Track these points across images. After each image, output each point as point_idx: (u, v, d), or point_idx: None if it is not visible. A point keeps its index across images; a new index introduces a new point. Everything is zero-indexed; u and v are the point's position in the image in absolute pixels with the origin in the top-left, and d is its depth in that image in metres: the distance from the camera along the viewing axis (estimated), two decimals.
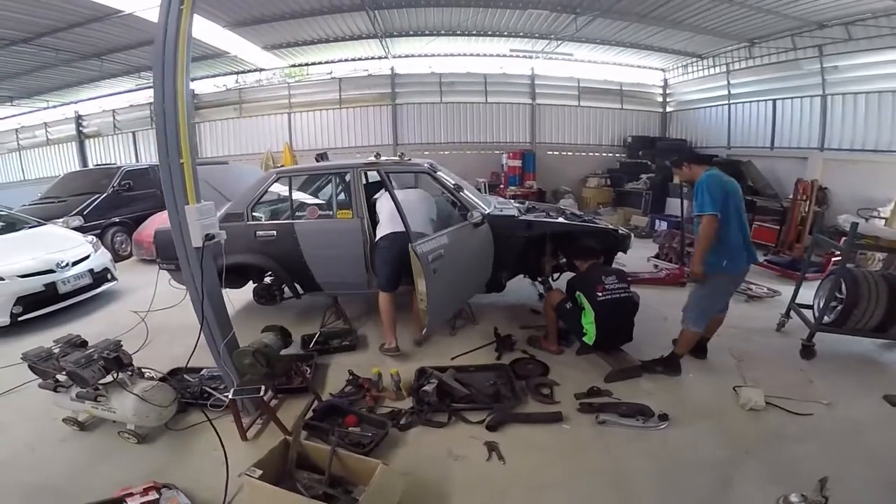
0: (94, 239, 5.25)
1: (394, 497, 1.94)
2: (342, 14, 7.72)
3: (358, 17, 7.85)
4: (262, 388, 2.45)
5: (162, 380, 2.72)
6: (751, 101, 8.82)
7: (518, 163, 10.42)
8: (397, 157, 3.95)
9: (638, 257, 5.81)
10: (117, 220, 6.95)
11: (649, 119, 11.44)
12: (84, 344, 2.70)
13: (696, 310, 3.02)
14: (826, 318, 3.38)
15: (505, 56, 10.21)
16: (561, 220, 3.91)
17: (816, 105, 7.46)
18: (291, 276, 3.83)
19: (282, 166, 5.19)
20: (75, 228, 5.90)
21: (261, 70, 10.85)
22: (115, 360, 2.47)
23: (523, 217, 3.85)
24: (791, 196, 6.59)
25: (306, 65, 10.71)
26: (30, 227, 5.21)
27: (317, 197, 4.51)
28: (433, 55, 10.40)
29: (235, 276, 3.89)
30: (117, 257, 6.32)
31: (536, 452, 2.38)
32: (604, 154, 11.30)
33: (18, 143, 12.85)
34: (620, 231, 3.93)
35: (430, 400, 2.74)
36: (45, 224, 5.44)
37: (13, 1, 5.89)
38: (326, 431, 2.44)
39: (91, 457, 2.44)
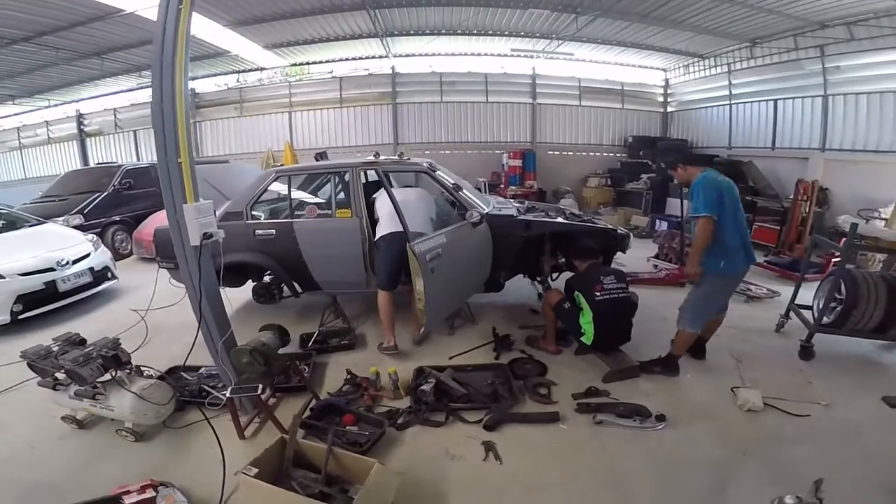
0: (95, 237, 5.26)
1: (389, 496, 1.94)
2: (343, 13, 7.72)
3: (359, 16, 7.84)
4: (260, 386, 2.46)
5: (160, 378, 2.74)
6: (752, 102, 8.79)
7: (519, 162, 10.42)
8: (396, 157, 3.95)
9: (638, 257, 5.81)
10: (118, 218, 6.99)
11: (650, 119, 11.42)
12: (83, 342, 2.70)
13: (693, 311, 3.01)
14: (825, 319, 3.38)
15: (506, 56, 10.19)
16: (560, 219, 3.91)
17: (818, 105, 7.44)
18: (290, 275, 3.84)
19: (282, 165, 5.19)
20: (76, 227, 5.93)
21: (262, 69, 10.85)
22: (114, 358, 2.48)
23: (522, 217, 3.85)
24: (792, 197, 6.57)
25: (307, 64, 10.70)
26: (30, 226, 5.23)
27: (316, 196, 4.51)
28: (434, 54, 10.38)
29: (235, 275, 3.89)
30: (118, 256, 6.34)
31: (533, 452, 2.39)
32: (604, 154, 11.28)
33: (20, 142, 12.88)
34: (619, 231, 3.93)
35: (427, 399, 2.74)
36: (45, 222, 5.46)
37: (15, 0, 5.90)
38: (324, 430, 2.44)
39: (89, 455, 2.45)
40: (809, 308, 3.67)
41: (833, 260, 4.95)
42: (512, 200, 5.13)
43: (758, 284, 4.82)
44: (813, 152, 7.34)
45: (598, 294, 3.07)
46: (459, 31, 8.85)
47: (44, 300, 4.28)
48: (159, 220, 4.80)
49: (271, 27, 8.02)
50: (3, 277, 4.05)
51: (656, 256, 6.04)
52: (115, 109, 11.76)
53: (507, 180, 10.29)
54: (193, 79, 10.55)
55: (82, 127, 12.16)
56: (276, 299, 4.24)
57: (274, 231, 3.75)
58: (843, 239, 3.65)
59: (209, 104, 11.29)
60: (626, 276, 3.49)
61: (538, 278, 4.27)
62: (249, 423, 2.64)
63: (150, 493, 1.99)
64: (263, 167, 8.71)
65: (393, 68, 10.64)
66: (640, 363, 3.15)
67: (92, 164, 10.87)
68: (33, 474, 2.31)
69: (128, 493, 1.98)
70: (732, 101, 9.25)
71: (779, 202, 7.03)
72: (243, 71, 10.84)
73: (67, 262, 4.52)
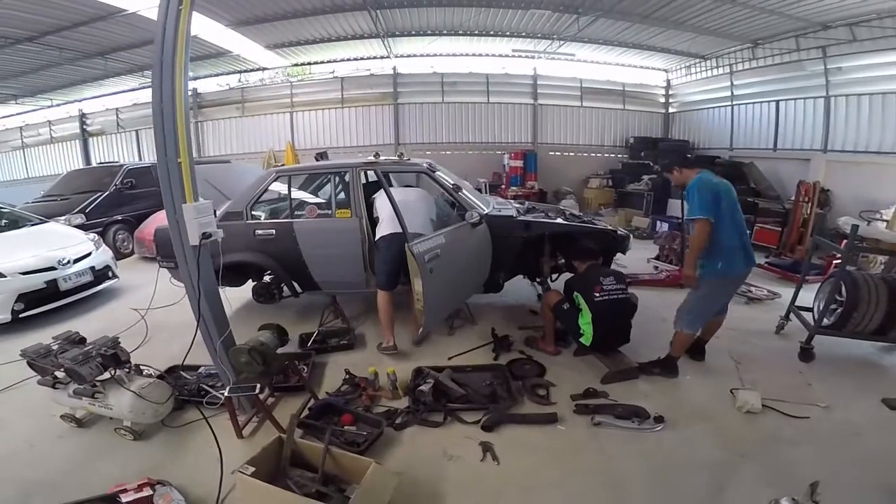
0: (96, 237, 5.28)
1: (385, 496, 1.94)
2: (344, 13, 7.73)
3: (360, 16, 7.86)
4: (258, 386, 2.47)
5: (159, 377, 2.74)
6: (754, 103, 8.77)
7: (520, 163, 10.42)
8: (396, 157, 3.95)
9: (638, 258, 5.80)
10: (119, 218, 7.01)
11: (652, 120, 11.40)
12: (83, 341, 2.71)
13: (691, 312, 3.00)
14: (825, 321, 3.36)
15: (507, 56, 10.19)
16: (559, 220, 3.91)
17: (820, 106, 7.42)
18: (290, 275, 3.84)
19: (282, 165, 5.20)
20: (77, 226, 5.95)
21: (263, 69, 10.87)
22: (113, 356, 2.49)
23: (521, 217, 3.84)
24: (793, 198, 6.55)
25: (308, 64, 10.73)
26: (32, 225, 5.25)
27: (316, 196, 4.52)
28: (435, 55, 10.39)
29: (235, 275, 3.90)
30: (119, 255, 6.36)
31: (531, 453, 2.38)
32: (606, 155, 11.27)
33: (22, 141, 12.95)
34: (619, 232, 3.92)
35: (426, 399, 2.74)
36: (47, 221, 5.48)
37: (18, 0, 5.93)
38: (322, 430, 2.44)
39: (88, 453, 2.46)
40: (810, 310, 3.65)
41: (834, 262, 4.93)
42: (512, 201, 5.13)
43: (758, 286, 4.80)
44: (815, 153, 7.32)
45: (597, 295, 3.07)
46: (461, 32, 8.86)
47: (45, 299, 4.30)
48: (160, 219, 4.79)
49: (273, 27, 8.04)
50: (5, 276, 4.07)
51: (657, 258, 6.02)
52: (117, 109, 11.82)
53: (508, 181, 10.29)
54: (195, 79, 10.58)
55: (85, 126, 12.21)
56: (276, 299, 4.25)
57: (274, 231, 3.76)
58: (845, 241, 3.64)
59: (211, 104, 11.32)
60: (626, 277, 3.48)
61: (537, 279, 4.27)
62: (248, 423, 2.64)
63: (147, 492, 2.00)
64: (265, 167, 8.73)
65: (394, 69, 10.66)
66: (639, 364, 3.14)
67: (94, 164, 10.91)
68: (32, 472, 2.32)
69: (125, 491, 1.98)
70: (734, 102, 9.23)
71: (780, 203, 7.01)
72: (245, 71, 10.87)
73: (69, 262, 4.54)
